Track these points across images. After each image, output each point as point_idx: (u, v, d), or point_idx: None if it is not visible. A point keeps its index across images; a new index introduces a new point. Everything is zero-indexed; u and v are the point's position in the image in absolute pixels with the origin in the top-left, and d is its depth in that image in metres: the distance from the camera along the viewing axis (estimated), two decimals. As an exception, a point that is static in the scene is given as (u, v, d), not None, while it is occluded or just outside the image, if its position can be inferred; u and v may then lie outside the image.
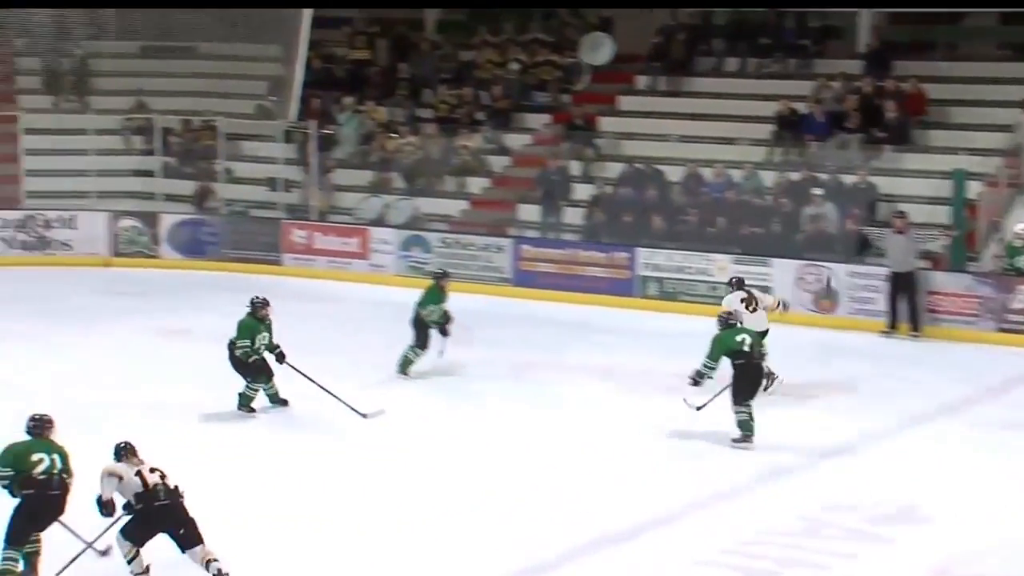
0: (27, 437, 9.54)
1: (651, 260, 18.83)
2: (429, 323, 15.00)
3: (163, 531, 9.31)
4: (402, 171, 22.01)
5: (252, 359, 13.57)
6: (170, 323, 17.37)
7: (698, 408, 12.93)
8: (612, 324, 17.63)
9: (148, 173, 23.03)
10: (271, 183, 22.30)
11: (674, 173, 20.13)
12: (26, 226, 21.61)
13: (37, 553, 9.40)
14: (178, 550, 9.32)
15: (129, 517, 9.33)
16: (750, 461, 12.19)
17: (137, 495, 9.26)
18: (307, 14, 22.80)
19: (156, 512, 9.25)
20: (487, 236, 20.11)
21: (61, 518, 9.37)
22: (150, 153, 23.09)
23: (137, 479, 9.27)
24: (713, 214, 19.36)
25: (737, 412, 12.57)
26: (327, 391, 13.48)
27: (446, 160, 22.04)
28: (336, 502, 11.13)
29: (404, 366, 15.05)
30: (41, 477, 9.27)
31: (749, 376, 12.61)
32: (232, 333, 13.59)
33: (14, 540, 9.33)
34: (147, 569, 9.38)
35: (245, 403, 13.73)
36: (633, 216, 19.66)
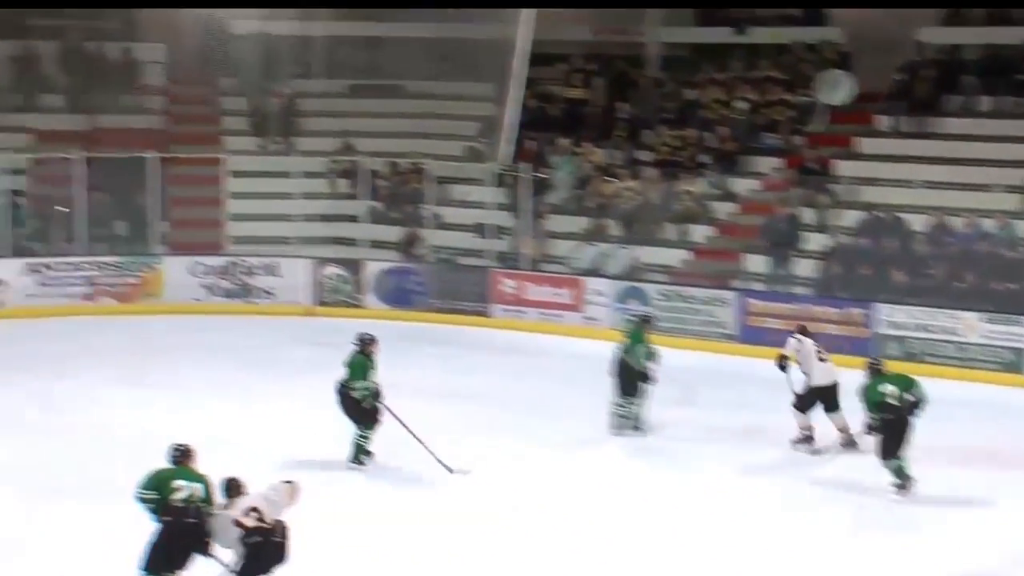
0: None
1: (891, 317, 17.95)
2: (636, 368, 14.45)
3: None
4: (619, 217, 21.44)
5: (367, 402, 13.08)
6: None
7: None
8: (847, 387, 16.52)
9: (353, 218, 22.80)
10: (480, 229, 21.92)
11: (917, 222, 19.23)
12: (229, 273, 21.51)
13: None
14: None
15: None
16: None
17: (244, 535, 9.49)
18: (522, 51, 22.37)
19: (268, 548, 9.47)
20: (710, 288, 19.50)
21: (199, 548, 9.63)
22: (356, 197, 22.85)
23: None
24: (961, 268, 18.48)
25: (887, 464, 12.47)
26: (418, 440, 13.02)
27: (667, 206, 21.40)
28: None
29: (620, 423, 14.54)
30: (179, 505, 9.63)
31: (895, 429, 12.45)
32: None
33: (149, 568, 9.62)
34: None
35: (360, 453, 13.07)
36: (871, 269, 18.82)
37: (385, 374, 17.07)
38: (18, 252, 21.25)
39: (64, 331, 19.13)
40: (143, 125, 23.72)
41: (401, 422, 13.16)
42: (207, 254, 21.81)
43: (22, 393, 16.04)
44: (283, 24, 23.85)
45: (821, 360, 14.02)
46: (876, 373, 12.76)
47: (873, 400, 12.48)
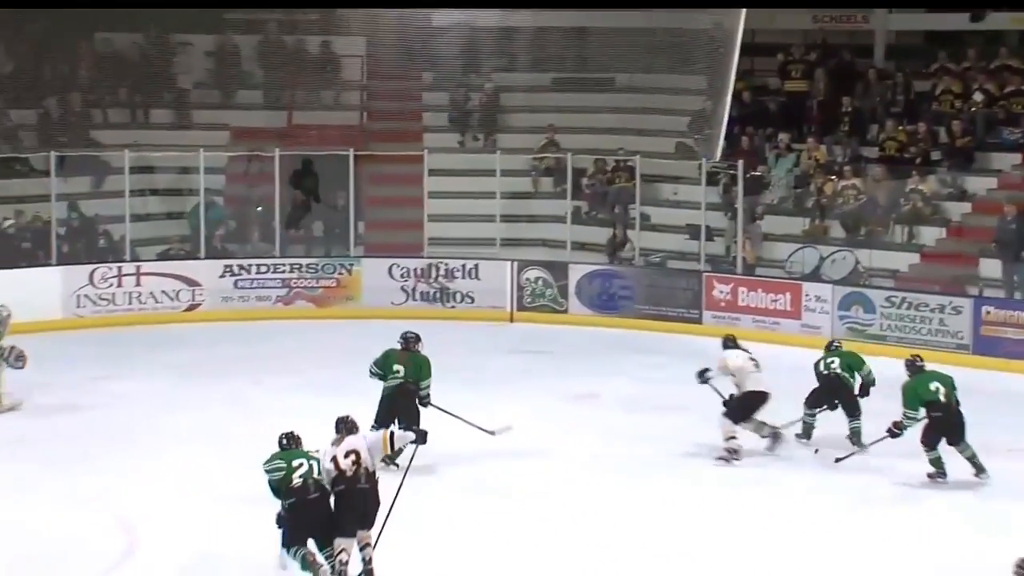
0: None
1: None
2: (867, 386, 14.46)
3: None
4: (842, 218, 20.85)
5: (424, 403, 13.51)
6: (576, 386, 16.92)
7: (837, 460, 13.72)
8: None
9: (557, 219, 22.59)
10: (691, 231, 21.48)
11: None
12: (428, 276, 21.53)
13: (308, 555, 10.47)
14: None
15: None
16: None
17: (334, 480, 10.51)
18: (737, 42, 21.91)
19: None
20: (942, 295, 18.87)
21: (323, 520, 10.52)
22: (560, 197, 22.66)
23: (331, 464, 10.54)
24: None
25: (929, 453, 13.15)
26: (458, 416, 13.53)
27: (894, 206, 20.76)
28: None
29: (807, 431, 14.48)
30: (298, 483, 10.49)
31: (945, 426, 13.10)
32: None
33: (286, 543, 10.53)
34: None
35: (395, 458, 12.24)
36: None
37: (589, 382, 17.06)
38: (214, 253, 21.62)
39: (259, 335, 19.38)
40: (341, 122, 23.95)
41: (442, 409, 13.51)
42: (406, 256, 21.87)
43: (217, 398, 16.26)
44: (486, 15, 23.78)
45: (756, 369, 14.28)
46: (918, 371, 13.35)
47: (923, 396, 13.05)
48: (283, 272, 21.38)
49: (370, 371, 13.76)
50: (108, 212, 21.77)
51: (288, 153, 22.14)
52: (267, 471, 10.63)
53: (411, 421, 13.09)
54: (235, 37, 24.40)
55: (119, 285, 20.68)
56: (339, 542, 10.48)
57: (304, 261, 21.56)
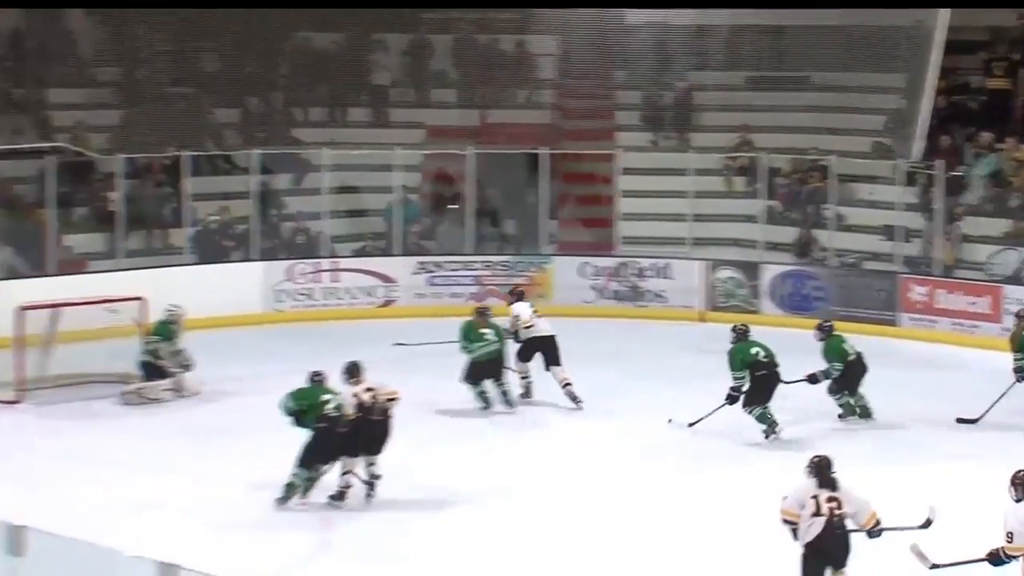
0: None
1: None
2: None
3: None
4: (1045, 220, 20.33)
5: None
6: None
7: (690, 424, 14.85)
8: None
9: (750, 219, 22.47)
10: (888, 232, 21.16)
11: None
12: (619, 274, 21.60)
13: (314, 481, 12.46)
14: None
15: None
16: None
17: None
18: (939, 39, 21.54)
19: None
20: None
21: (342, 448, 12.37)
22: (753, 196, 22.53)
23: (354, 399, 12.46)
24: None
25: (751, 412, 14.58)
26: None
27: (1101, 207, 20.19)
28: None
29: None
30: (333, 414, 12.34)
31: (767, 385, 14.60)
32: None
33: (303, 464, 12.36)
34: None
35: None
36: None
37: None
38: (409, 250, 21.99)
39: (452, 331, 19.61)
40: (534, 120, 24.15)
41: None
42: (597, 255, 21.98)
43: (412, 392, 16.54)
44: (681, 13, 23.76)
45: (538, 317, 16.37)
46: (742, 337, 14.97)
47: (746, 359, 14.67)
48: (476, 269, 21.66)
49: (462, 347, 15.85)
50: (307, 208, 22.31)
51: (482, 151, 22.41)
52: (293, 398, 12.45)
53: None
54: (430, 36, 24.77)
55: (317, 281, 21.19)
56: (346, 462, 12.48)
57: (496, 259, 21.82)
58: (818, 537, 9.73)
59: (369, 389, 12.64)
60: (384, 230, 22.43)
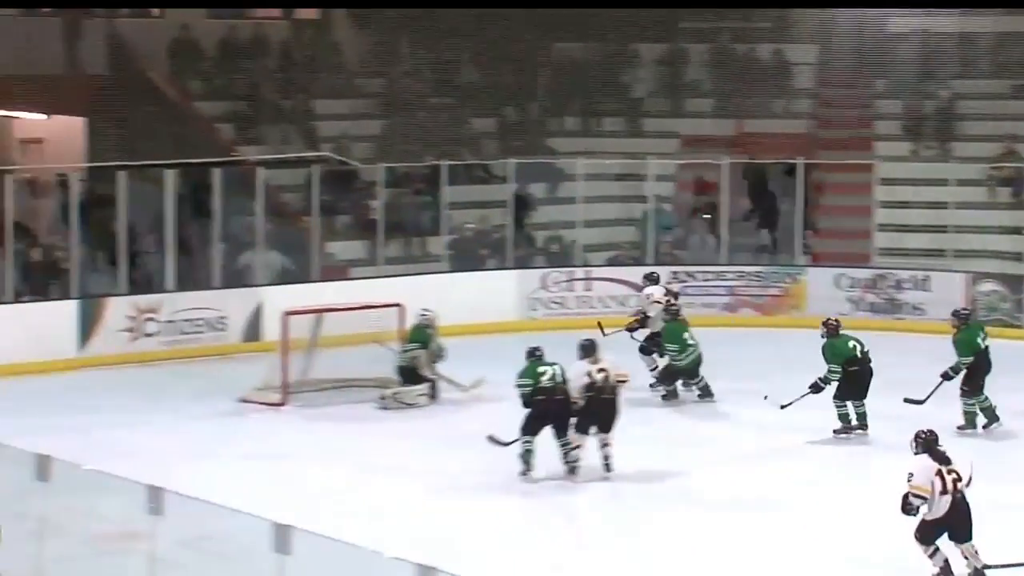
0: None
1: None
2: None
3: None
4: None
5: None
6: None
7: (782, 407, 14.97)
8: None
9: (1015, 230, 21.85)
10: None
11: None
12: (876, 286, 21.27)
13: (531, 448, 13.30)
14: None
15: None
16: None
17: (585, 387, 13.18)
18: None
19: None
20: None
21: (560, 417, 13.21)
22: (1018, 207, 21.91)
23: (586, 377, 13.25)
24: None
25: (838, 407, 14.93)
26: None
27: None
28: None
29: None
30: (547, 385, 13.19)
31: (860, 381, 14.83)
32: None
33: (525, 430, 13.26)
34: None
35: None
36: None
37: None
38: (662, 260, 22.04)
39: (704, 341, 19.58)
40: (791, 130, 23.94)
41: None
42: (853, 266, 21.68)
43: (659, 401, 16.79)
44: (944, 21, 23.28)
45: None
46: (836, 332, 15.06)
47: (844, 353, 14.89)
48: (729, 280, 21.59)
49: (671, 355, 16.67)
50: (561, 217, 22.56)
51: (737, 161, 22.32)
52: (519, 386, 13.22)
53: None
54: (687, 46, 24.79)
55: (570, 289, 21.42)
56: (575, 437, 13.22)
57: (750, 269, 21.72)
58: (946, 514, 10.23)
59: (602, 369, 13.27)
60: (637, 239, 22.52)
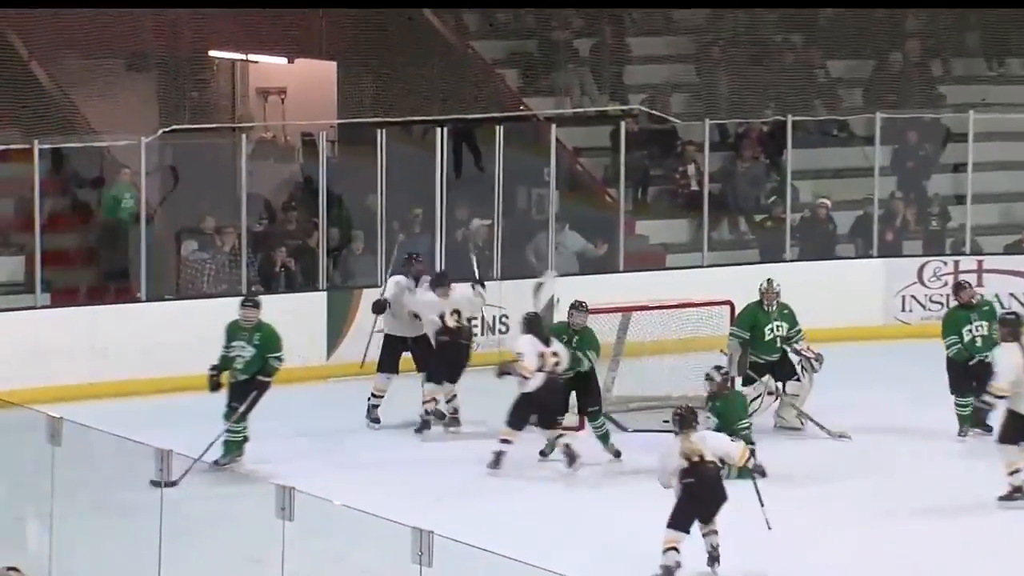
0: None
1: None
2: None
3: None
4: None
5: None
6: None
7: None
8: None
9: None
10: None
11: None
12: None
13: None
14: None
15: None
16: None
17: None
18: None
19: None
20: None
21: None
22: None
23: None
24: None
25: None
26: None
27: None
28: None
29: None
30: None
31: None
32: None
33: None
34: None
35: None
36: None
37: None
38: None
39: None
40: None
41: None
42: None
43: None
44: None
45: None
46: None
47: None
48: None
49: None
50: (944, 191, 22.24)
51: None
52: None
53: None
54: None
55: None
56: (429, 388, 15.81)
57: None
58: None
59: (455, 310, 16.20)
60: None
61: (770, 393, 16.59)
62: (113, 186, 19.39)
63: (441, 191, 19.69)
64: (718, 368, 15.24)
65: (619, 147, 20.70)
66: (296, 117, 22.60)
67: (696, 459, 12.47)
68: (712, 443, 12.74)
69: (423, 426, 16.44)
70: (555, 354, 15.27)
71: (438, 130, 19.74)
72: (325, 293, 19.04)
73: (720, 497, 12.53)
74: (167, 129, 19.34)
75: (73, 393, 17.10)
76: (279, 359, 15.06)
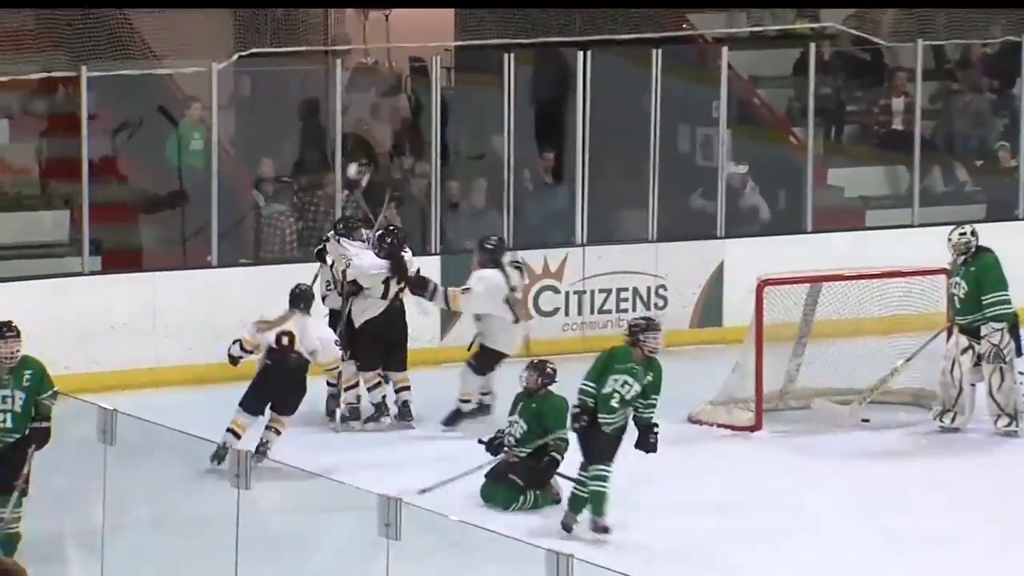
0: None
1: None
2: None
3: None
4: None
5: None
6: None
7: None
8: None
9: None
10: None
11: None
12: None
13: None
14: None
15: None
16: None
17: None
18: None
19: None
20: None
21: None
22: None
23: None
24: None
25: None
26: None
27: None
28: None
29: None
30: None
31: None
32: None
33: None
34: None
35: None
36: None
37: None
38: None
39: None
40: None
41: None
42: None
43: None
44: None
45: None
46: None
47: None
48: None
49: None
50: None
51: None
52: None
53: None
54: None
55: None
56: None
57: None
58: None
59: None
60: None
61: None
62: (179, 124, 19.36)
63: (584, 130, 19.54)
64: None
65: (807, 75, 20.51)
66: (403, 39, 22.51)
67: (286, 342, 14.88)
68: (312, 335, 15.11)
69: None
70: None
71: (579, 54, 19.56)
72: (439, 257, 18.94)
73: (299, 390, 15.05)
74: (244, 53, 19.33)
75: (129, 380, 17.22)
76: None
